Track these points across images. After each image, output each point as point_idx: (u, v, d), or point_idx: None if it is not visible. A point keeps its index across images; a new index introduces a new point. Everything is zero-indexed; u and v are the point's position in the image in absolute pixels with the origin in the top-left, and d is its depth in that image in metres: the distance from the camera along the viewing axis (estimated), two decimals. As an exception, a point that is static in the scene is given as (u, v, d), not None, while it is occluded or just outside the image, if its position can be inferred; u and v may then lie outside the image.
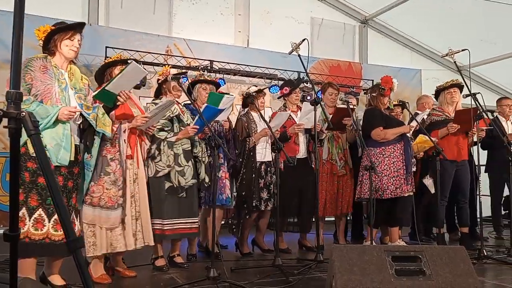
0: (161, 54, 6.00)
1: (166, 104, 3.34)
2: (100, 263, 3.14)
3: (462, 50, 3.96)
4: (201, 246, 4.25)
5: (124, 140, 3.13)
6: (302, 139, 4.35)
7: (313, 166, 4.41)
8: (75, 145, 2.76)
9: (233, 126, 4.27)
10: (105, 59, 5.49)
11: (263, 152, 4.14)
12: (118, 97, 2.86)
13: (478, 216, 4.24)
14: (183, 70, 5.43)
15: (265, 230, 4.34)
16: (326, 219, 4.62)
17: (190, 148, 3.60)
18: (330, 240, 4.75)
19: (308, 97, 6.07)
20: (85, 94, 2.84)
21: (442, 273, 2.00)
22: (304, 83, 6.33)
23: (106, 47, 5.60)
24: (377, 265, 2.02)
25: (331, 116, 4.32)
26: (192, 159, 3.60)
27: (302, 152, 4.32)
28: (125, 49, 5.62)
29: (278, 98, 4.79)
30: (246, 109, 4.32)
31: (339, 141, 4.53)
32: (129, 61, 2.80)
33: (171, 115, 3.56)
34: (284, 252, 4.18)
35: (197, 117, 3.47)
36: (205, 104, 3.46)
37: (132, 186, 3.21)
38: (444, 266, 2.03)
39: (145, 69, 5.54)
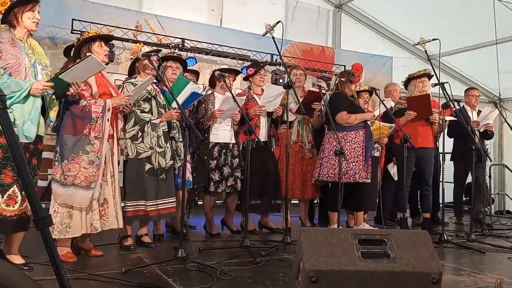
0: (130, 29, 5.82)
1: (145, 83, 3.30)
2: (66, 241, 3.07)
3: (433, 40, 4.04)
4: (169, 227, 4.23)
5: (108, 119, 3.06)
6: (263, 122, 4.34)
7: (272, 150, 4.45)
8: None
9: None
10: (71, 32, 5.31)
11: (218, 133, 4.10)
12: (70, 88, 2.76)
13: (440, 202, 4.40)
14: (156, 48, 5.29)
15: (233, 211, 4.36)
16: (292, 201, 4.67)
17: (167, 130, 3.59)
18: (297, 222, 4.82)
19: (281, 80, 6.07)
20: (51, 71, 2.79)
21: (405, 256, 2.05)
22: (277, 66, 6.31)
23: (73, 19, 5.38)
24: (344, 248, 2.05)
25: (301, 98, 4.33)
26: (170, 141, 3.60)
27: (262, 135, 4.30)
28: (92, 23, 5.40)
29: (243, 79, 4.75)
30: (212, 90, 4.28)
31: (309, 125, 4.57)
32: (87, 54, 2.79)
33: (149, 96, 3.52)
34: (252, 234, 4.22)
35: (181, 102, 3.46)
36: (192, 91, 3.50)
37: (111, 165, 3.19)
38: (407, 250, 2.09)
39: (113, 44, 5.48)
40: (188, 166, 3.95)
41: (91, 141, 2.98)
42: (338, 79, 4.42)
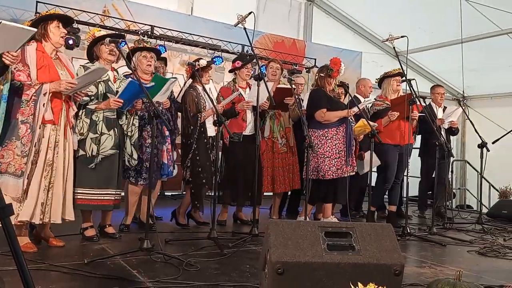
0: (97, 14, 5.64)
1: (97, 71, 3.05)
2: (25, 231, 2.97)
3: (402, 37, 4.11)
4: (135, 218, 4.15)
5: (44, 104, 2.86)
6: (250, 116, 4.32)
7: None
8: None
9: (175, 98, 4.18)
10: (36, 14, 5.10)
11: (210, 127, 4.11)
12: (3, 58, 2.53)
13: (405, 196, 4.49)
14: (114, 33, 5.12)
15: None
16: (264, 194, 4.67)
17: (114, 116, 3.36)
18: (266, 214, 4.83)
19: (251, 71, 6.02)
20: None
21: (369, 249, 2.09)
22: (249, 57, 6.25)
23: (37, 1, 5.21)
24: (311, 240, 2.06)
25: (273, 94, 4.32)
26: (117, 129, 3.38)
27: (249, 129, 4.29)
28: (57, 5, 5.17)
29: (229, 71, 4.71)
30: (190, 81, 4.20)
31: (280, 119, 4.57)
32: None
33: (98, 80, 3.29)
34: (220, 225, 4.20)
35: (121, 91, 3.26)
36: (129, 79, 3.22)
37: (51, 154, 2.96)
38: (372, 242, 2.12)
39: (79, 29, 5.30)
40: (169, 155, 3.90)
41: (19, 126, 2.79)
42: (317, 75, 4.43)
